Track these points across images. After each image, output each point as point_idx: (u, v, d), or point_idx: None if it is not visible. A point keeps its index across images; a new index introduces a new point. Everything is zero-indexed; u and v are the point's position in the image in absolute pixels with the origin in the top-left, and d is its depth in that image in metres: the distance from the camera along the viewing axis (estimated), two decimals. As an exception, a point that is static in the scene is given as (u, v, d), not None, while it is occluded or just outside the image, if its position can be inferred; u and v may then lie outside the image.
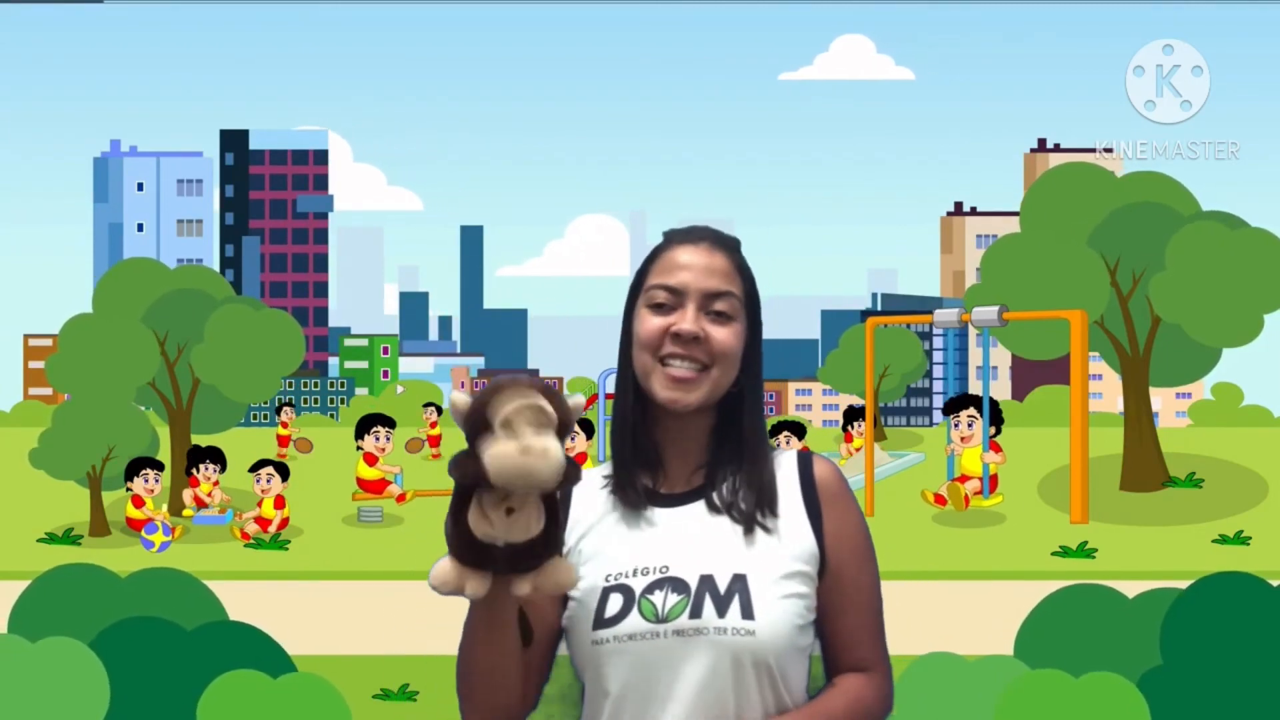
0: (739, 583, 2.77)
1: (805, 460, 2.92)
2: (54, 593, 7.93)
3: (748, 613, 2.75)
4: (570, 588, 2.67)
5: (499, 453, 2.53)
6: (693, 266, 2.88)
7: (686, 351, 2.84)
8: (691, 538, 2.83)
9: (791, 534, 2.83)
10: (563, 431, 2.58)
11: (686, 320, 2.85)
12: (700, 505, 2.87)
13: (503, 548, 2.62)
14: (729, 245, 2.93)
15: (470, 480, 2.59)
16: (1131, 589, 7.53)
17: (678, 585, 2.77)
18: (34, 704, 7.13)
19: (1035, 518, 23.06)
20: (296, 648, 7.77)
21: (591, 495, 2.93)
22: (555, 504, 2.65)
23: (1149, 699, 6.71)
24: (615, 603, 2.79)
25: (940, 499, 22.99)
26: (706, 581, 2.77)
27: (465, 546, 2.63)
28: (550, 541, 2.65)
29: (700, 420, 2.89)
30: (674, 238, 2.94)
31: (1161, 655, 7.02)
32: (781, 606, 2.77)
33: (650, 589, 2.78)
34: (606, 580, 2.81)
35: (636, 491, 2.88)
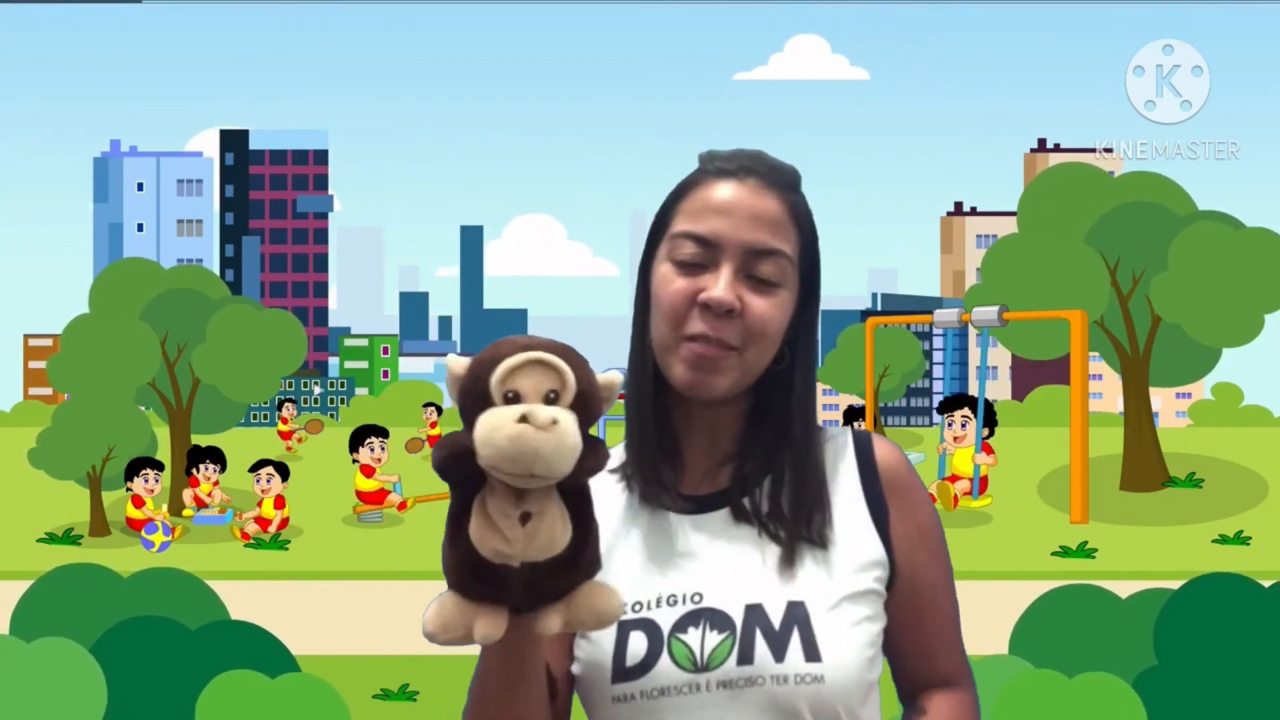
0: (796, 613, 2.15)
1: (864, 442, 2.30)
2: (56, 593, 7.93)
3: (812, 653, 2.13)
4: (615, 619, 1.99)
5: (492, 423, 1.89)
6: (734, 211, 2.21)
7: (715, 329, 2.19)
8: (726, 554, 2.21)
9: (853, 540, 2.24)
10: (583, 408, 1.94)
11: (719, 285, 2.18)
12: (730, 511, 2.26)
13: (520, 569, 1.95)
14: (787, 182, 2.26)
15: (456, 468, 1.94)
16: (1131, 589, 7.54)
17: (717, 620, 2.16)
18: (30, 705, 7.13)
19: (1035, 518, 23.07)
20: (296, 648, 7.77)
21: (596, 494, 2.17)
22: (586, 504, 1.99)
23: (1144, 699, 6.72)
24: (638, 644, 2.16)
25: (930, 497, 22.97)
26: (754, 613, 2.16)
27: (470, 574, 1.96)
28: (583, 556, 1.98)
29: (734, 402, 2.27)
30: (712, 167, 2.25)
31: (1155, 655, 7.04)
32: (851, 639, 2.17)
33: (682, 625, 2.17)
34: (624, 613, 2.13)
35: (665, 490, 2.25)
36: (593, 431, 1.99)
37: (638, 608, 2.19)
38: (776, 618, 2.15)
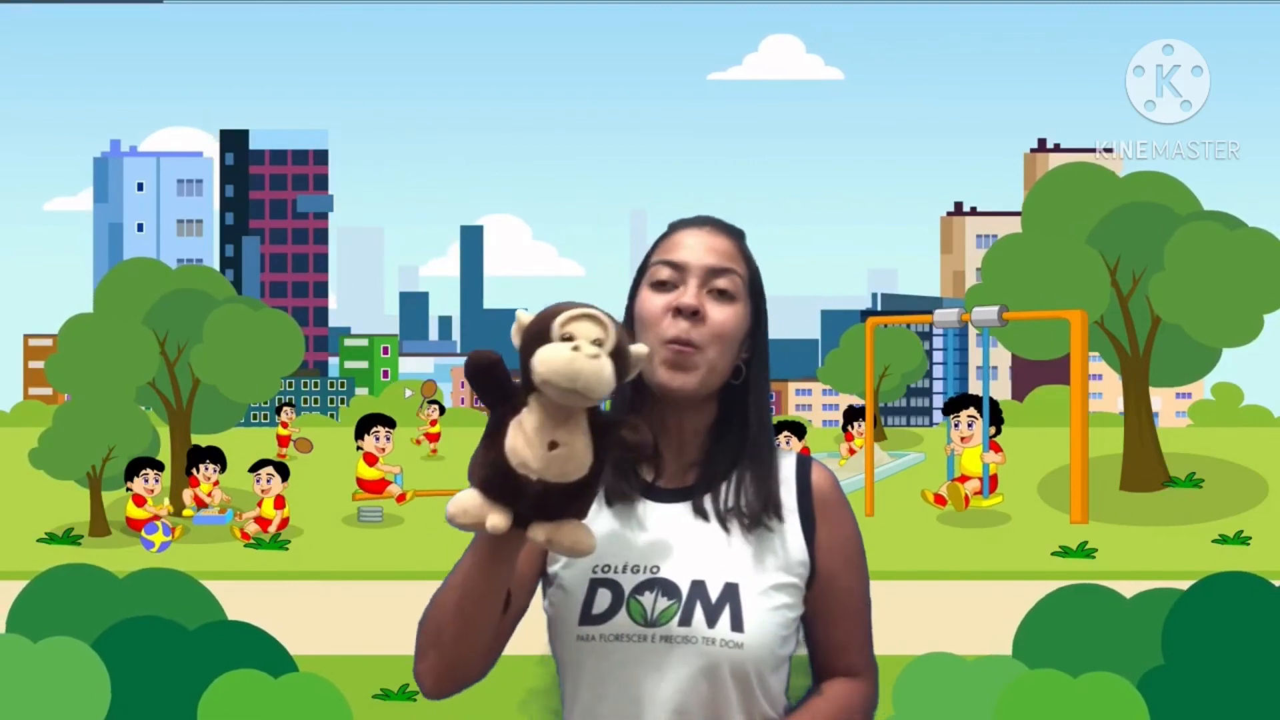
0: (730, 592, 2.72)
1: (804, 466, 2.86)
2: (52, 593, 7.93)
3: (737, 624, 2.70)
4: (586, 552, 2.56)
5: (550, 354, 2.43)
6: (696, 245, 2.83)
7: (684, 333, 2.76)
8: (683, 538, 2.76)
9: (785, 542, 2.79)
10: (619, 360, 2.49)
11: (688, 294, 2.77)
12: (692, 505, 2.80)
13: (536, 484, 2.47)
14: (733, 232, 2.89)
15: (493, 386, 2.47)
16: (1131, 589, 7.54)
17: (668, 589, 2.72)
18: (35, 704, 7.13)
19: (1035, 518, 23.07)
20: (296, 648, 7.77)
21: None
22: (602, 463, 2.53)
23: (1151, 699, 6.71)
24: (603, 599, 2.73)
25: (940, 499, 22.99)
26: (698, 588, 2.72)
27: (497, 476, 2.48)
28: (586, 494, 2.52)
29: (701, 413, 2.82)
30: (678, 225, 2.90)
31: (1164, 655, 7.02)
32: (770, 619, 2.73)
33: (640, 589, 2.72)
34: (594, 572, 2.74)
35: (630, 484, 2.80)
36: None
37: (606, 570, 2.75)
38: (714, 593, 2.72)
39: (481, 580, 2.62)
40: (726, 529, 2.77)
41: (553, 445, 2.46)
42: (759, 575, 2.74)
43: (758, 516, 2.77)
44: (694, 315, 2.76)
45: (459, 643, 2.67)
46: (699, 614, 2.70)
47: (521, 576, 2.75)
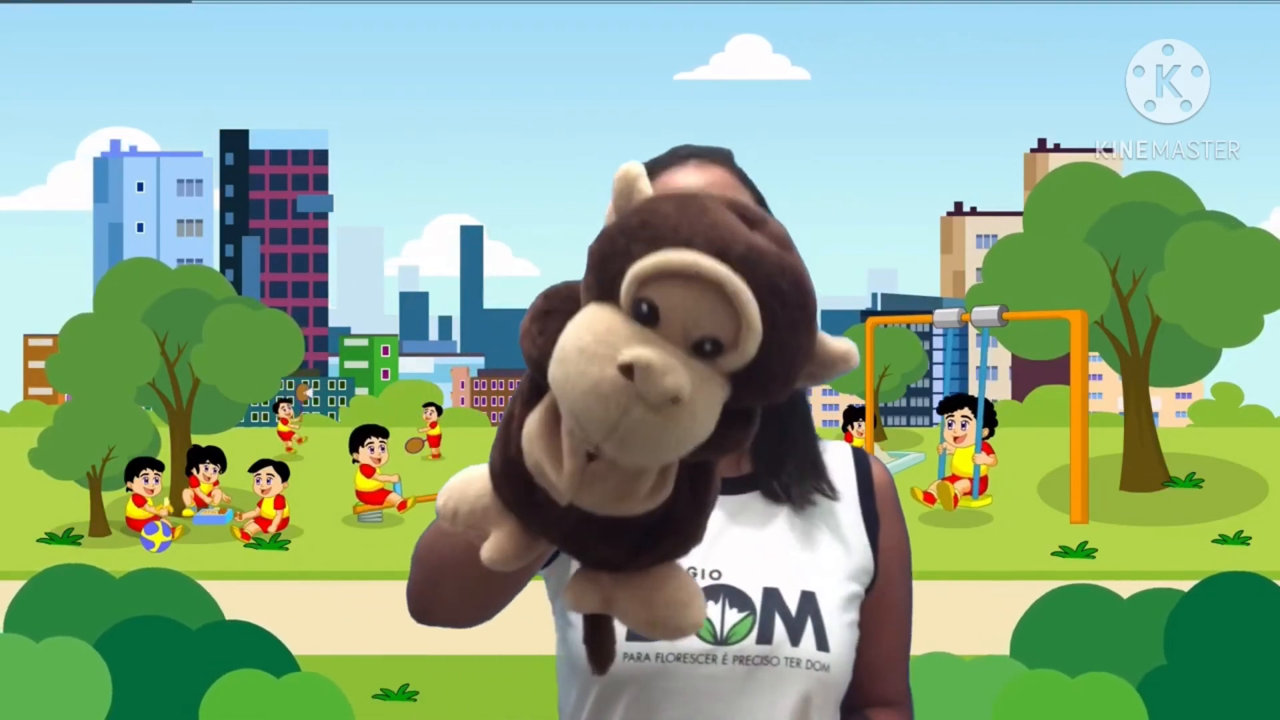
0: (809, 603, 2.24)
1: (863, 460, 2.40)
2: (49, 593, 7.94)
3: (822, 642, 2.22)
4: (681, 635, 1.66)
5: (587, 341, 1.28)
6: (689, 184, 2.25)
7: None
8: (747, 538, 2.27)
9: (852, 545, 2.33)
10: (754, 385, 1.32)
11: None
12: (754, 496, 2.30)
13: (567, 511, 1.42)
14: (723, 154, 2.34)
15: (533, 365, 1.38)
16: (1131, 589, 7.53)
17: (737, 599, 2.21)
18: (36, 703, 7.14)
19: (1035, 518, 23.06)
20: (296, 648, 7.77)
21: None
22: (709, 474, 1.49)
23: (1153, 700, 6.71)
24: None
25: (929, 497, 22.99)
26: (772, 597, 2.22)
27: (507, 472, 1.45)
28: (671, 532, 1.46)
29: None
30: (655, 166, 2.28)
31: (1166, 655, 7.02)
32: (849, 636, 2.27)
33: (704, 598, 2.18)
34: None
35: None
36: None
37: None
38: (792, 604, 2.22)
39: (482, 568, 1.86)
40: (791, 526, 2.30)
41: (591, 458, 1.36)
42: (835, 582, 2.28)
43: (818, 497, 2.31)
44: None
45: (456, 600, 2.03)
46: (780, 629, 2.21)
47: None
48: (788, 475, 2.31)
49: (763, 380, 1.29)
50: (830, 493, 2.32)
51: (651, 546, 1.44)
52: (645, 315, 1.26)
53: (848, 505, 2.35)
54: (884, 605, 2.35)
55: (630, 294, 1.25)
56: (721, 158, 2.31)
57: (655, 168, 2.27)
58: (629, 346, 1.22)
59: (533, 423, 1.37)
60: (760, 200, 2.31)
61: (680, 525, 1.44)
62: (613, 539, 1.42)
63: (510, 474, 1.43)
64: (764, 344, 1.26)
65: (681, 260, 1.22)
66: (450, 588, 2.02)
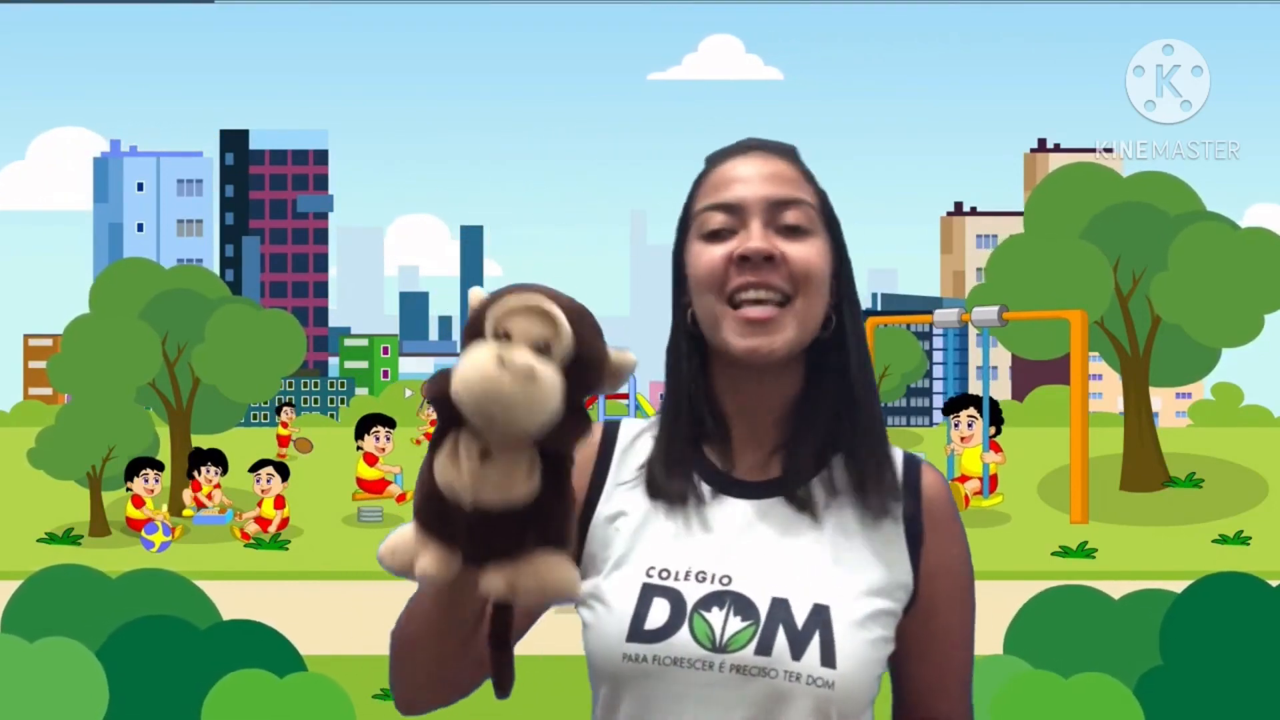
0: (820, 616, 2.15)
1: (913, 464, 2.29)
2: (45, 593, 7.94)
3: (828, 658, 2.14)
4: (566, 599, 1.95)
5: (472, 357, 1.81)
6: (750, 175, 2.24)
7: (761, 279, 2.18)
8: (761, 545, 2.20)
9: (885, 557, 2.23)
10: (580, 373, 1.87)
11: (753, 238, 2.19)
12: (779, 502, 2.23)
13: (469, 513, 1.87)
14: (788, 152, 2.29)
15: (441, 401, 1.86)
16: (1131, 589, 7.54)
17: (742, 606, 2.15)
18: (31, 705, 7.14)
19: (1035, 518, 23.07)
20: (297, 648, 7.77)
21: (640, 453, 2.28)
22: (563, 471, 1.92)
23: (1148, 700, 6.71)
24: (660, 610, 2.16)
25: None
26: (780, 608, 2.15)
27: (425, 500, 1.89)
28: (544, 519, 1.90)
29: (782, 382, 2.24)
30: (718, 157, 2.29)
31: (1161, 656, 7.02)
32: (867, 654, 2.17)
33: (706, 603, 2.16)
34: (649, 575, 2.18)
35: (696, 474, 2.24)
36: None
37: (665, 575, 2.17)
38: (800, 617, 2.15)
39: (440, 622, 2.12)
40: (818, 535, 2.22)
41: (484, 456, 1.85)
42: (855, 597, 2.19)
43: (875, 512, 2.23)
44: (768, 260, 2.19)
45: (434, 678, 2.21)
46: (781, 641, 2.14)
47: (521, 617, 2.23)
48: (820, 494, 2.23)
49: (581, 371, 1.86)
50: (879, 520, 2.23)
51: (530, 531, 1.89)
52: (503, 336, 1.86)
53: (890, 517, 2.25)
54: (931, 628, 2.27)
55: (492, 327, 1.86)
56: (785, 152, 2.28)
57: (721, 157, 2.28)
58: (498, 349, 1.83)
59: (439, 454, 1.88)
60: (821, 195, 2.28)
61: (547, 511, 1.90)
62: (503, 530, 1.87)
63: (428, 501, 1.89)
64: (575, 343, 1.86)
65: (520, 299, 1.87)
66: (424, 661, 2.17)
